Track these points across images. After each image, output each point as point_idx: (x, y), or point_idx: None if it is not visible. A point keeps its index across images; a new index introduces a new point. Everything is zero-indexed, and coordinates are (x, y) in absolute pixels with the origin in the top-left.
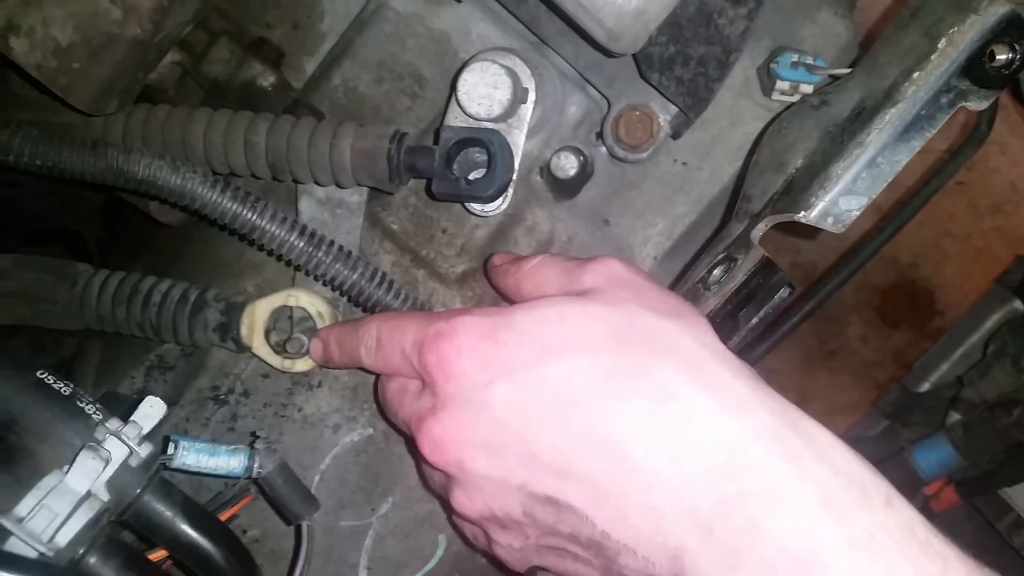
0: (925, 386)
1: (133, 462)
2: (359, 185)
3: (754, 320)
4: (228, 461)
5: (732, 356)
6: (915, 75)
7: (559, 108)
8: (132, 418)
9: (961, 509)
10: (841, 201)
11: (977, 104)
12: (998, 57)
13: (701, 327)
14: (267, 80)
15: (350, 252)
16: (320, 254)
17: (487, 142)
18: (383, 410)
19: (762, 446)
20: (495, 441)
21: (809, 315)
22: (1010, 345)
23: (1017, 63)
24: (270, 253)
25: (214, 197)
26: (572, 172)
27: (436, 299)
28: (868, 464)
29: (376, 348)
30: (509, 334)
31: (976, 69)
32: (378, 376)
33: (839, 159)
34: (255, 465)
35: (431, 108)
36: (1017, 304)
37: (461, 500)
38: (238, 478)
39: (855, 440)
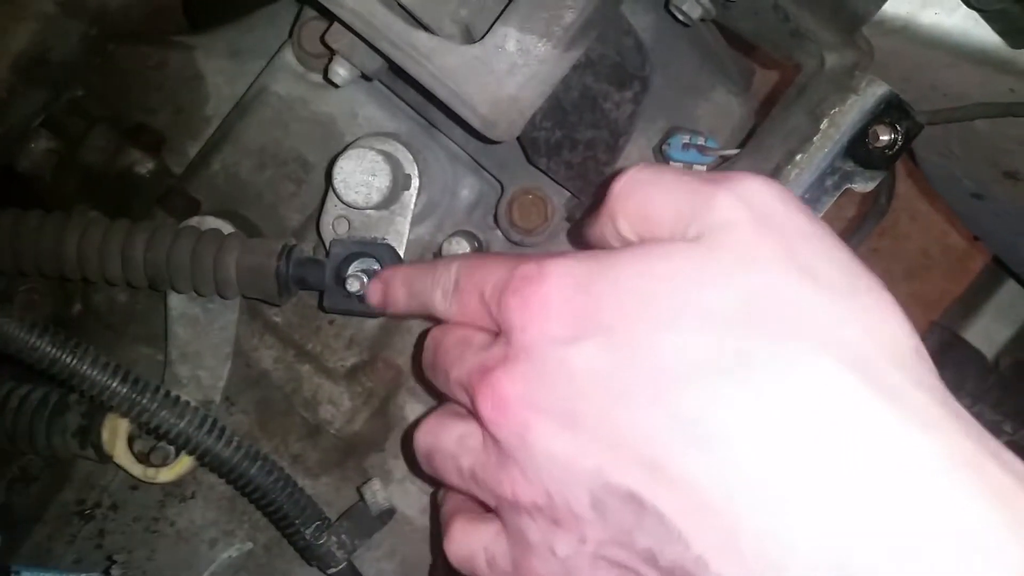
0: None
1: None
2: (244, 297)
3: None
4: None
5: (920, 361)
6: (798, 157)
7: (450, 192)
8: None
9: None
10: None
11: (863, 186)
12: (881, 138)
13: (879, 315)
14: (145, 167)
15: (178, 398)
16: (144, 400)
17: (378, 259)
18: (428, 371)
19: (955, 477)
20: (571, 411)
21: None
22: None
23: (899, 144)
24: (91, 400)
25: (31, 340)
26: None
27: (322, 396)
28: None
29: (453, 291)
30: (606, 286)
31: (859, 150)
32: (425, 332)
33: None
34: None
35: (317, 193)
36: None
37: (516, 478)
38: None
39: None
